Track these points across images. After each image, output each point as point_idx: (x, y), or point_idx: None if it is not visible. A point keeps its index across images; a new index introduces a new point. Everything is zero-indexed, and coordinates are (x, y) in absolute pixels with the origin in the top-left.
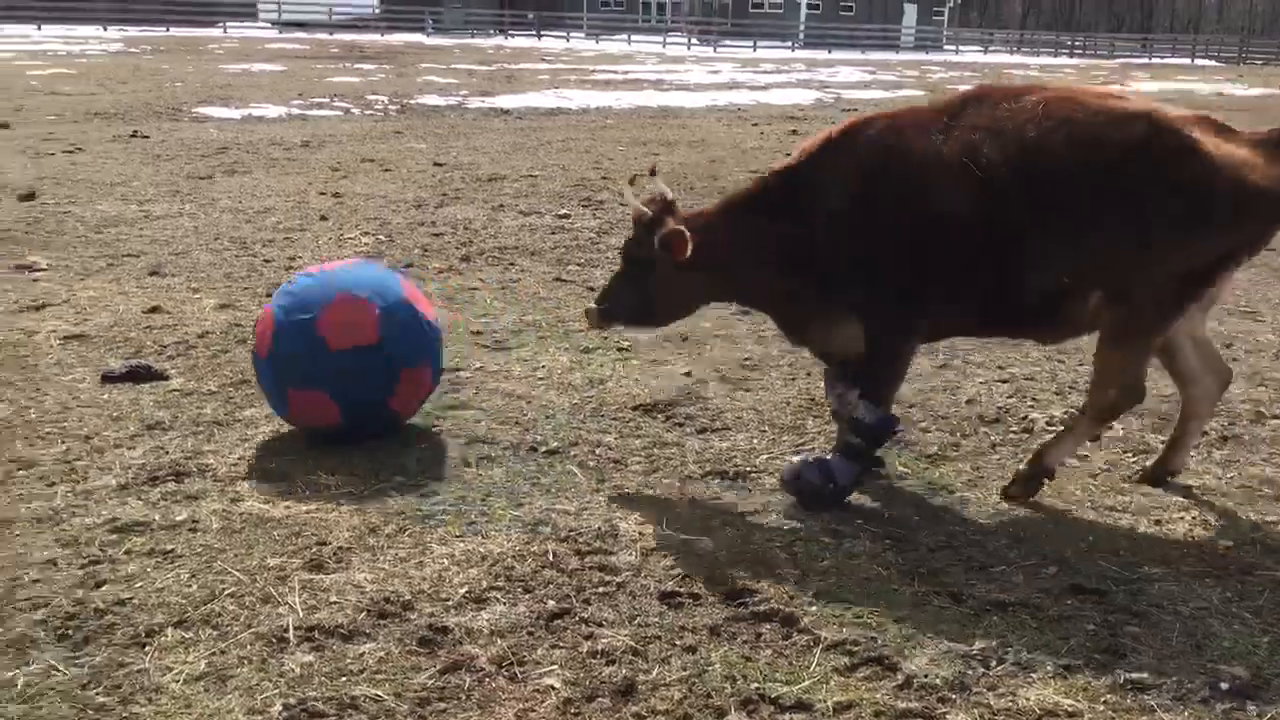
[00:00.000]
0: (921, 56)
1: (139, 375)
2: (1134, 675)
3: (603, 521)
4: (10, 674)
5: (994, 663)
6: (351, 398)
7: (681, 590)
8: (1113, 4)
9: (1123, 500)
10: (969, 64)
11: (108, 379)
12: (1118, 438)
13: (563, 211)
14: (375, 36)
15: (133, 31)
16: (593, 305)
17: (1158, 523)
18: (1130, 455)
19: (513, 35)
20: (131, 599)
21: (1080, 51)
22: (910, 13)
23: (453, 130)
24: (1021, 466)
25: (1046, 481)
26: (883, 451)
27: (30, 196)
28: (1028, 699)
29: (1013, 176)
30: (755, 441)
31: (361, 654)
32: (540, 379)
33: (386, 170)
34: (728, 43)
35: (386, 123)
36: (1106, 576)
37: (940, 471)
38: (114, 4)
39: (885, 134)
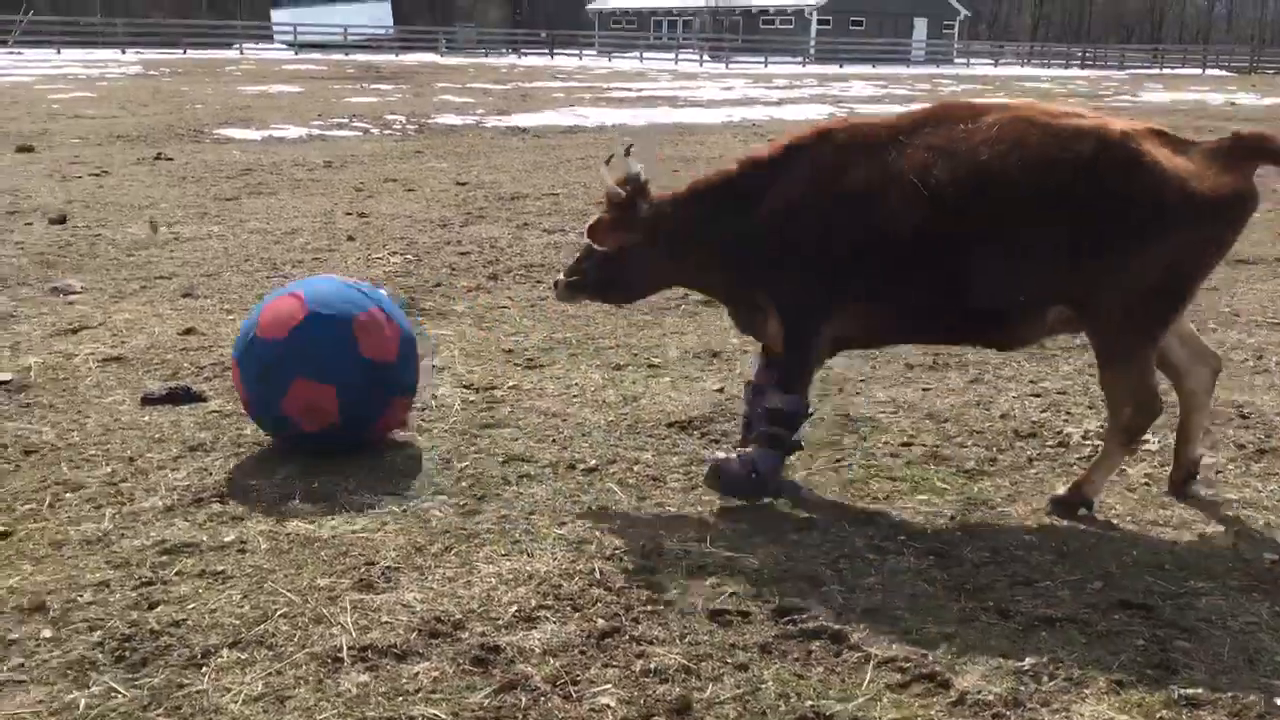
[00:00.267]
0: (933, 70)
1: (178, 397)
2: (1187, 691)
3: (647, 539)
4: (71, 696)
5: (1046, 679)
6: (354, 406)
7: (730, 608)
8: (1122, 15)
9: (1164, 514)
10: (980, 76)
11: (147, 401)
12: (1154, 451)
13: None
14: (390, 57)
15: (150, 54)
16: (561, 278)
17: (1201, 536)
18: (1168, 468)
19: (526, 54)
20: (185, 620)
21: (1091, 63)
22: (920, 26)
23: (472, 149)
24: (1060, 492)
25: (1085, 510)
26: (922, 470)
27: (61, 220)
28: (1082, 715)
29: (963, 197)
30: (792, 457)
31: (416, 674)
32: (574, 396)
33: (410, 190)
34: (739, 59)
35: (406, 142)
36: (1153, 591)
37: (979, 486)
38: (132, 27)
39: (844, 144)
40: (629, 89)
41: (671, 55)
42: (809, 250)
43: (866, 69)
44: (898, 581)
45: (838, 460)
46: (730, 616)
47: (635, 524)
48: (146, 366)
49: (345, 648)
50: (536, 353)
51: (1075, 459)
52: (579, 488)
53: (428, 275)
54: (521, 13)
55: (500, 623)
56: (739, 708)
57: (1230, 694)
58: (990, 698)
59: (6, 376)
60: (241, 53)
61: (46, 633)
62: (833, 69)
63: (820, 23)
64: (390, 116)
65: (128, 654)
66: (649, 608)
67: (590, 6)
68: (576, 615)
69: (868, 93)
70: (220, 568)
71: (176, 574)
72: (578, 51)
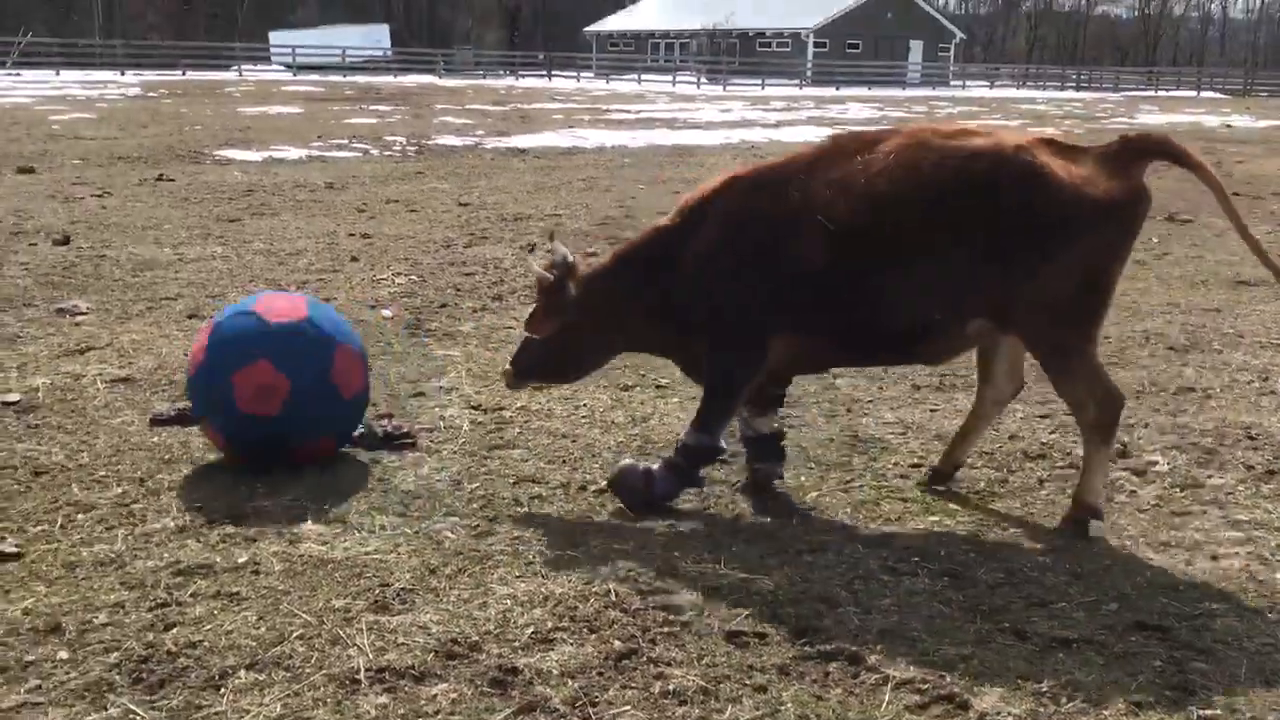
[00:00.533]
0: (928, 92)
1: (187, 418)
2: (1205, 712)
3: (661, 561)
4: (90, 718)
5: (1064, 700)
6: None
7: (746, 629)
8: (1116, 37)
9: (1176, 535)
10: (976, 98)
11: (156, 422)
12: (1164, 473)
13: (591, 250)
14: (389, 78)
15: (149, 75)
16: (508, 366)
17: (1213, 558)
18: (1179, 490)
19: (523, 75)
20: (202, 641)
21: (1086, 85)
22: (916, 49)
23: (473, 170)
24: (1070, 512)
25: (1095, 519)
26: (933, 491)
27: (65, 241)
28: None
29: (868, 228)
30: (803, 479)
31: (435, 695)
32: (583, 418)
33: (412, 211)
34: (736, 81)
35: (407, 163)
36: (1169, 613)
37: (990, 508)
38: (130, 49)
39: (749, 189)
40: (627, 111)
41: (669, 77)
42: (733, 296)
43: (863, 91)
44: (913, 603)
45: (848, 481)
46: (747, 638)
47: (648, 545)
48: (154, 387)
49: (363, 669)
50: None
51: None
52: (590, 509)
53: (433, 296)
54: (519, 35)
55: (517, 644)
56: None
57: (1248, 715)
58: (1009, 719)
59: (15, 397)
60: (240, 74)
61: (63, 654)
62: (829, 91)
63: (817, 45)
64: (390, 138)
65: (145, 675)
66: (665, 629)
67: (588, 29)
68: (593, 637)
69: (864, 115)
70: (235, 589)
71: (191, 595)
72: (575, 73)
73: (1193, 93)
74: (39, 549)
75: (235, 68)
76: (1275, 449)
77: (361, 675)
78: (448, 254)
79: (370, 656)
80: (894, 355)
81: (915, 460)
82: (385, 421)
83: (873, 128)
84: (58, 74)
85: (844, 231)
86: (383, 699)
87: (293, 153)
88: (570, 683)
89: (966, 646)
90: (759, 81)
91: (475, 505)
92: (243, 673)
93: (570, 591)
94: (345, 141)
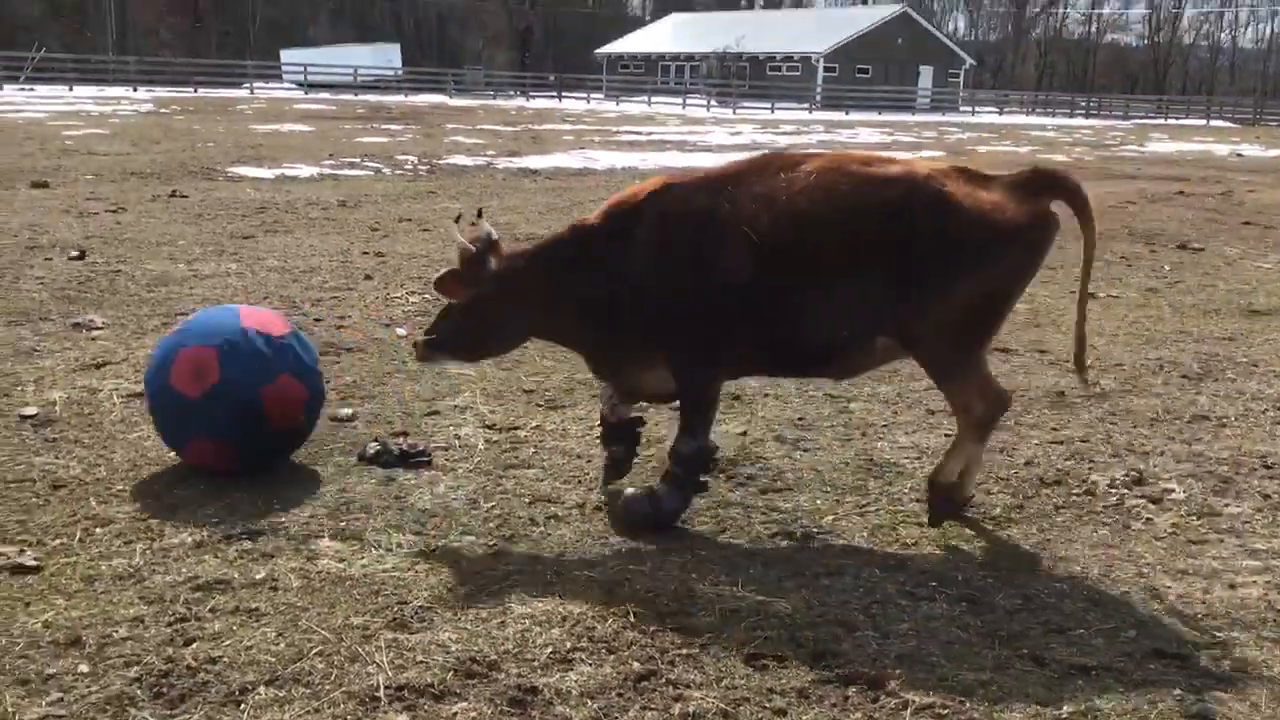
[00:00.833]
0: (938, 118)
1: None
2: None
3: (677, 582)
4: None
5: None
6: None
7: (765, 652)
8: (1126, 65)
9: (1194, 564)
10: (986, 125)
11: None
12: (1180, 501)
13: None
14: (399, 98)
15: (161, 92)
16: (420, 339)
17: (1231, 586)
18: (1195, 518)
19: (534, 96)
20: (221, 657)
21: (1095, 112)
22: (926, 75)
23: (485, 190)
24: (928, 497)
25: (965, 508)
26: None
27: (80, 255)
28: None
29: (785, 243)
30: (819, 502)
31: (454, 714)
32: (597, 438)
33: (425, 230)
34: (746, 104)
35: (418, 183)
36: (1187, 641)
37: (1007, 534)
38: (143, 65)
39: (684, 194)
40: (638, 132)
41: (679, 100)
42: (680, 299)
43: (873, 115)
44: (931, 628)
45: (864, 505)
46: (766, 660)
47: (664, 566)
48: None
49: (382, 687)
50: (558, 393)
51: (1102, 507)
52: (606, 529)
53: None
54: (530, 56)
55: (536, 664)
56: None
57: None
58: None
59: (32, 411)
60: (252, 92)
61: (83, 668)
62: (839, 115)
63: (827, 69)
64: (401, 156)
65: (165, 690)
66: (684, 651)
67: (598, 51)
68: (612, 657)
69: (875, 139)
70: (253, 605)
71: (210, 610)
72: (585, 95)
73: (1202, 121)
74: (58, 562)
75: (247, 85)
76: None
77: (381, 693)
78: None
79: (390, 674)
80: (807, 368)
81: None
82: (401, 439)
83: (797, 149)
84: (71, 89)
85: (767, 246)
86: (403, 717)
87: (305, 170)
88: (590, 703)
89: (985, 672)
90: (769, 105)
91: (491, 524)
92: (263, 689)
93: (588, 612)
94: (357, 160)
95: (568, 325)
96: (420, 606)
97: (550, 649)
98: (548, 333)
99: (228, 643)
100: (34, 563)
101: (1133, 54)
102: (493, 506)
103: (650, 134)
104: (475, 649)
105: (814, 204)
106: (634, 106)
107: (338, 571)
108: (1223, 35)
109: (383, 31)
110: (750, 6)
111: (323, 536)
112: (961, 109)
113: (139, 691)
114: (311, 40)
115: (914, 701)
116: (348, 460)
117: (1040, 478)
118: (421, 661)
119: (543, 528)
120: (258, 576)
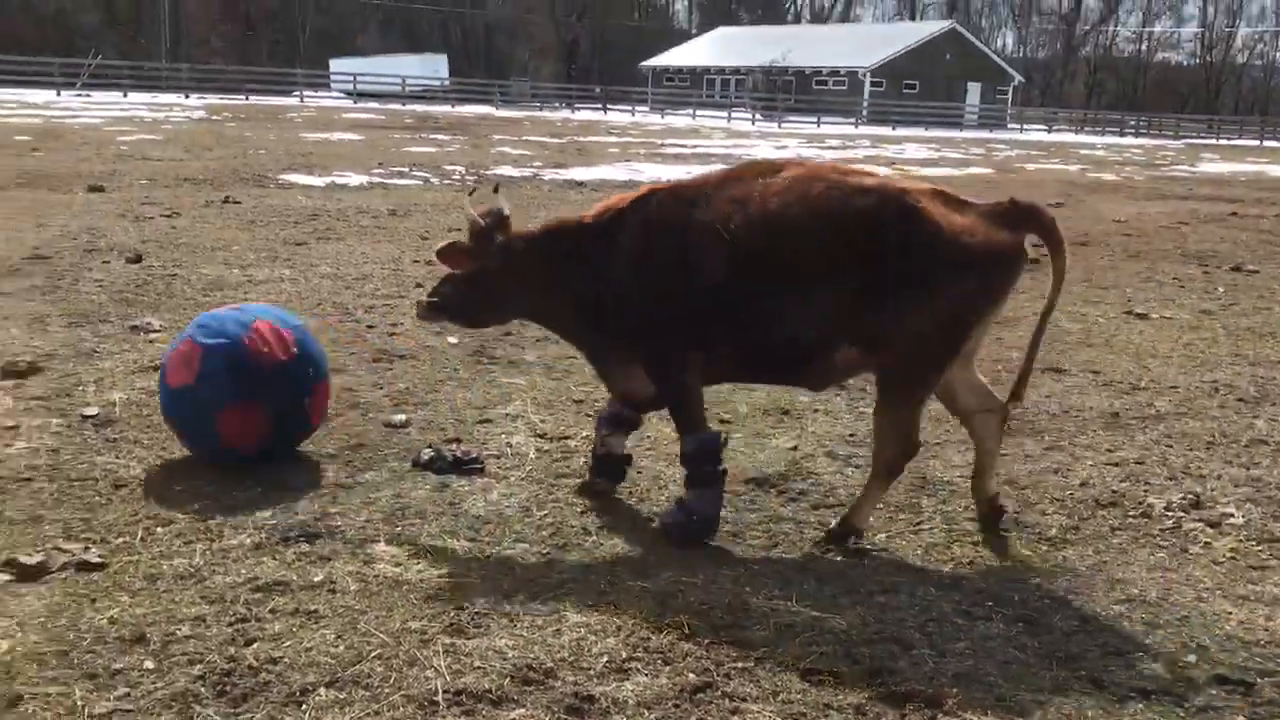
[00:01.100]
0: (985, 135)
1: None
2: None
3: (732, 596)
4: None
5: None
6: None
7: (821, 667)
8: (1177, 84)
9: (1255, 589)
10: (1034, 142)
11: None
12: (1239, 525)
13: None
14: (447, 108)
15: (213, 99)
16: (423, 299)
17: None
18: (1254, 543)
19: (579, 109)
20: (282, 658)
21: (1145, 131)
22: (974, 91)
23: (532, 201)
24: (833, 526)
25: (855, 539)
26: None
27: (138, 259)
28: None
29: (757, 245)
30: (871, 519)
31: (513, 719)
32: (648, 449)
33: None
34: (792, 118)
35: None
36: (1249, 668)
37: (1063, 555)
38: (196, 73)
39: (666, 201)
40: (683, 145)
41: (724, 113)
42: (659, 304)
43: (919, 131)
44: (988, 647)
45: (918, 523)
46: (822, 676)
47: (717, 579)
48: None
49: (440, 691)
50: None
51: (1159, 530)
52: (656, 541)
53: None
54: (575, 68)
55: (592, 672)
56: None
57: None
58: None
59: (93, 411)
60: (302, 100)
61: (149, 664)
62: (885, 130)
63: (873, 84)
64: (449, 166)
65: (229, 689)
66: (739, 664)
67: (643, 64)
68: (667, 669)
69: (921, 155)
70: (312, 607)
71: (270, 611)
72: (630, 108)
73: (1255, 142)
74: (121, 560)
75: (297, 93)
76: None
77: (439, 697)
78: None
79: (448, 679)
80: (779, 376)
81: None
82: (454, 446)
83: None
84: (125, 95)
85: (737, 246)
86: None
87: (355, 179)
88: (646, 713)
89: (1043, 693)
90: (815, 119)
91: (544, 533)
92: (323, 690)
93: (643, 622)
94: (406, 169)
95: (565, 316)
96: (477, 612)
97: (606, 658)
98: (546, 319)
99: (288, 644)
100: (99, 560)
101: (1184, 73)
102: (545, 515)
103: (695, 147)
104: (531, 656)
105: (786, 207)
106: (679, 119)
107: (394, 575)
108: (1277, 55)
109: (431, 42)
110: (796, 21)
111: (379, 541)
112: (1009, 126)
113: (203, 689)
114: (360, 50)
115: None
116: (402, 465)
117: (1096, 499)
118: (479, 667)
119: (595, 537)
120: (316, 579)
